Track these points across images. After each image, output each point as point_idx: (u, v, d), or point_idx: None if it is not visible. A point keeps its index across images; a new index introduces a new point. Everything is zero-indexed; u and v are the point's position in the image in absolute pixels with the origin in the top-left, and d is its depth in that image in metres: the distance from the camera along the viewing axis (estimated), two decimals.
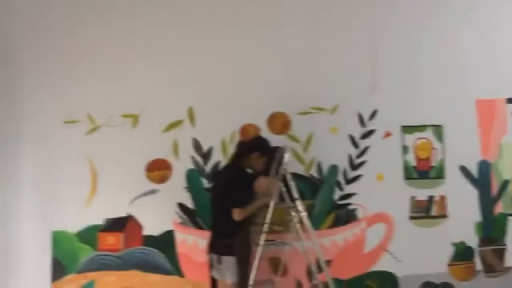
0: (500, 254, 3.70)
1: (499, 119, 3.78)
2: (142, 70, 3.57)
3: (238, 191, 3.06)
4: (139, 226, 3.49)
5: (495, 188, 3.73)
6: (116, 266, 3.46)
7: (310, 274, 3.48)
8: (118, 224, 3.48)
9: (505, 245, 3.70)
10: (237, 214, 3.01)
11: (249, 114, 3.57)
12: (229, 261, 3.05)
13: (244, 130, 3.57)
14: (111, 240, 3.47)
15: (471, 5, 3.84)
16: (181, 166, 3.54)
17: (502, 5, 3.86)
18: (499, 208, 3.72)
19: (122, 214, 3.48)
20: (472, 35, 3.82)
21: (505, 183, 3.74)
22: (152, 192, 3.51)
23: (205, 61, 3.58)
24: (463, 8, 3.83)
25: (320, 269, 3.28)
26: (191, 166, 3.54)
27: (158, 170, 3.52)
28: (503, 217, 3.72)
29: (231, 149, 3.45)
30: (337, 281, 3.44)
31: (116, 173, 3.49)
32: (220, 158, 3.54)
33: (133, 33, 3.58)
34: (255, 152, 3.19)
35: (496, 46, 3.84)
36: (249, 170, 3.22)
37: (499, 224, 3.71)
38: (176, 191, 3.52)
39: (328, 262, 3.48)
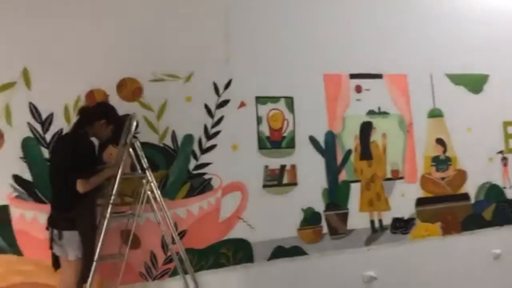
0: (343, 218, 4.02)
1: (343, 93, 4.06)
2: None
3: (81, 161, 2.85)
4: None
5: (339, 157, 4.03)
6: None
7: (164, 246, 3.41)
8: None
9: (347, 209, 4.03)
10: (82, 186, 2.82)
11: (97, 79, 3.32)
12: (70, 236, 2.86)
13: (90, 95, 3.31)
14: None
15: None
16: (15, 134, 3.16)
17: None
18: (343, 176, 4.02)
19: None
20: (322, 13, 4.04)
21: (348, 153, 4.05)
22: None
23: (46, 19, 3.24)
24: None
25: (174, 240, 3.24)
26: (28, 133, 3.19)
27: None
28: (346, 184, 4.03)
29: (75, 116, 3.18)
30: (192, 251, 3.44)
31: None
32: (62, 125, 3.24)
33: None
34: (100, 120, 3.00)
35: (339, 24, 4.09)
36: (94, 139, 3.04)
37: (342, 190, 4.02)
38: (10, 161, 3.14)
39: (183, 233, 3.46)
